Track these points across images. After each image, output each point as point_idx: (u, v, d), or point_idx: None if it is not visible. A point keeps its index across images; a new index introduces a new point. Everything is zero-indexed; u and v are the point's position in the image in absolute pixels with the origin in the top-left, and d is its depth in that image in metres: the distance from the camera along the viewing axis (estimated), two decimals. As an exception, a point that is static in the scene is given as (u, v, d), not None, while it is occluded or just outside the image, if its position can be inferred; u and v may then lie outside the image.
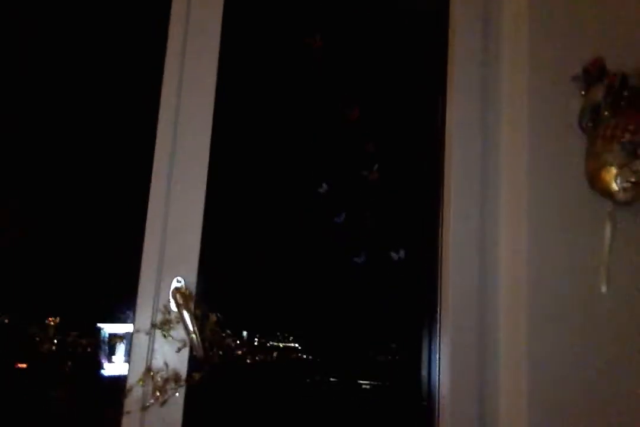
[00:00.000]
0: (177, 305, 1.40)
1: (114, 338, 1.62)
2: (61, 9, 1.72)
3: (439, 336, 1.60)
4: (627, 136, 1.40)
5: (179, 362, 1.41)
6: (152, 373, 1.38)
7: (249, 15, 1.71)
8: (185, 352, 1.41)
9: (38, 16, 1.73)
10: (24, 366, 1.63)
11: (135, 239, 1.45)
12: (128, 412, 1.36)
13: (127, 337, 1.56)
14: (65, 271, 1.64)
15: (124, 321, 1.58)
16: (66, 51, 1.71)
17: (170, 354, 1.41)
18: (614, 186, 1.42)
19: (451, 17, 1.73)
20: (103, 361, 1.62)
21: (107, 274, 1.62)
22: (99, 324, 1.64)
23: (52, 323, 1.63)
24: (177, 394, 1.39)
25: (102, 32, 1.73)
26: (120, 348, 1.61)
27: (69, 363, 1.63)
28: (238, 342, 1.72)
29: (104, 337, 1.63)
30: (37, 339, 1.61)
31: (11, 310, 1.59)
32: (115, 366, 1.61)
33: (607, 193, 1.45)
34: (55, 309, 1.63)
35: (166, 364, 1.40)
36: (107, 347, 1.62)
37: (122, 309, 1.57)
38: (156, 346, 1.41)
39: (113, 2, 1.74)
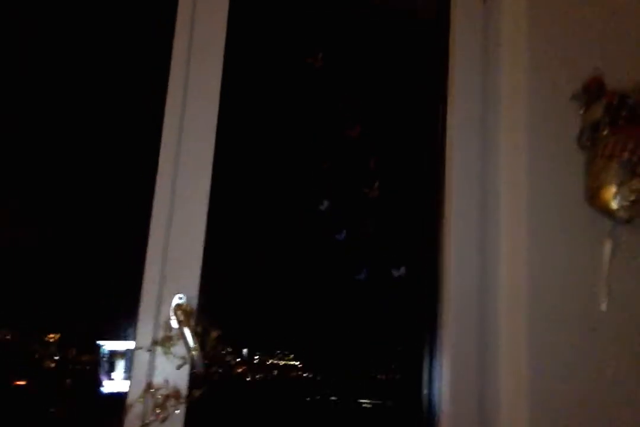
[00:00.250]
0: (178, 322, 1.40)
1: (114, 355, 1.62)
2: (68, 18, 1.73)
3: (440, 354, 1.60)
4: (626, 155, 1.41)
5: (180, 379, 1.40)
6: (152, 390, 1.38)
7: (251, 35, 1.73)
8: (186, 369, 1.41)
9: (45, 23, 1.74)
10: (24, 382, 1.62)
11: (137, 256, 1.45)
12: (128, 430, 1.36)
13: (128, 354, 1.56)
14: (66, 288, 1.64)
15: (124, 338, 1.58)
16: (73, 56, 1.72)
17: (171, 371, 1.40)
18: (614, 204, 1.43)
19: (451, 35, 1.75)
20: (103, 378, 1.62)
21: (108, 290, 1.62)
22: (99, 342, 1.63)
23: (52, 340, 1.62)
24: (177, 411, 1.38)
25: (110, 41, 1.74)
26: (120, 365, 1.61)
27: (69, 380, 1.62)
28: (238, 359, 1.71)
29: (104, 354, 1.62)
30: (37, 355, 1.60)
31: (11, 326, 1.59)
32: (115, 383, 1.61)
33: (607, 211, 1.45)
34: (56, 326, 1.63)
35: (167, 381, 1.40)
36: (107, 365, 1.62)
37: (122, 326, 1.57)
38: (157, 362, 1.40)
39: (121, 15, 1.76)
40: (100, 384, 1.62)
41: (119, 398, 1.44)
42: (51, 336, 1.62)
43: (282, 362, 1.80)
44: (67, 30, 1.73)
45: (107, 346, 1.63)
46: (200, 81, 1.56)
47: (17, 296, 1.62)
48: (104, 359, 1.62)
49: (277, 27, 1.78)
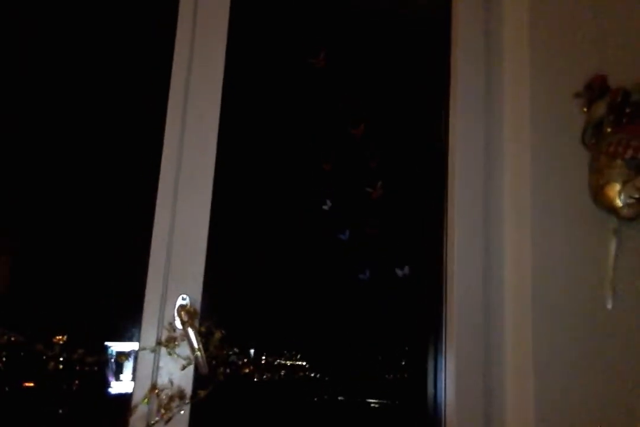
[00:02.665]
0: (182, 322, 1.40)
1: (121, 356, 1.62)
2: (69, 18, 1.74)
3: (445, 353, 1.59)
4: (630, 152, 1.41)
5: (184, 379, 1.41)
6: (157, 391, 1.38)
7: (253, 34, 1.73)
8: (191, 369, 1.41)
9: (48, 26, 1.75)
10: (32, 384, 1.63)
11: (141, 257, 1.46)
12: (133, 430, 1.36)
13: (134, 355, 1.56)
14: (72, 290, 1.65)
15: (131, 339, 1.58)
16: (74, 56, 1.73)
17: (176, 372, 1.41)
18: (618, 202, 1.42)
19: (453, 35, 1.74)
20: (110, 379, 1.62)
21: (113, 292, 1.63)
22: (106, 343, 1.64)
23: (59, 342, 1.63)
24: (182, 412, 1.38)
25: (111, 39, 1.75)
26: (128, 366, 1.61)
27: (76, 382, 1.63)
28: (245, 360, 1.71)
29: (111, 355, 1.63)
30: (45, 357, 1.61)
31: (18, 329, 1.59)
32: (122, 384, 1.61)
33: (611, 209, 1.45)
34: (62, 328, 1.63)
35: (171, 382, 1.40)
36: (114, 366, 1.62)
37: (128, 327, 1.57)
38: (161, 363, 1.41)
39: (123, 15, 1.77)
40: (107, 385, 1.62)
41: (125, 399, 1.45)
42: (58, 337, 1.63)
43: (289, 363, 1.80)
44: (69, 30, 1.74)
45: (115, 347, 1.63)
46: (203, 80, 1.56)
47: (24, 298, 1.63)
48: (111, 360, 1.62)
49: (279, 26, 1.79)
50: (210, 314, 1.45)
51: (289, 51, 1.80)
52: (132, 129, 1.70)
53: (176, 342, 1.41)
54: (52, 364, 1.58)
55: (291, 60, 1.80)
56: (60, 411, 1.62)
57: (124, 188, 1.68)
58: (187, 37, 1.58)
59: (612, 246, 1.47)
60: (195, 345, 1.38)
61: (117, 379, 1.62)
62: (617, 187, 1.41)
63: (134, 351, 1.51)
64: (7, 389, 1.60)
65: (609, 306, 1.45)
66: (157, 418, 1.36)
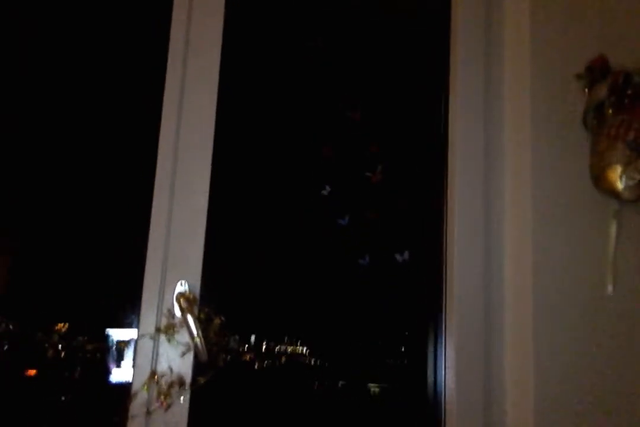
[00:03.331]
0: (181, 309, 1.40)
1: (122, 343, 1.62)
2: (64, 15, 1.73)
3: (445, 339, 1.59)
4: (632, 134, 1.39)
5: (184, 366, 1.41)
6: (156, 377, 1.38)
7: (251, 18, 1.71)
8: (190, 356, 1.41)
9: (44, 25, 1.74)
10: (34, 372, 1.63)
11: (139, 243, 1.45)
12: (133, 417, 1.36)
13: (132, 342, 1.56)
14: (70, 277, 1.65)
15: (131, 326, 1.58)
16: (69, 52, 1.72)
17: (175, 359, 1.41)
18: (619, 185, 1.41)
19: (453, 15, 1.73)
20: (111, 366, 1.62)
21: (112, 279, 1.63)
22: (107, 330, 1.64)
23: (60, 330, 1.63)
24: (181, 398, 1.38)
25: (104, 28, 1.74)
26: (129, 353, 1.61)
27: (78, 369, 1.63)
28: (245, 346, 1.71)
29: (112, 342, 1.63)
30: (45, 345, 1.61)
31: (18, 317, 1.59)
32: (123, 371, 1.61)
33: (612, 192, 1.44)
34: (63, 316, 1.63)
35: (170, 369, 1.40)
36: (115, 353, 1.62)
37: (128, 315, 1.57)
38: (161, 350, 1.41)
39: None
40: (108, 372, 1.62)
41: (125, 386, 1.45)
42: (59, 325, 1.63)
43: (289, 349, 1.80)
44: (64, 27, 1.73)
45: (115, 334, 1.63)
46: (200, 64, 1.55)
47: (23, 286, 1.63)
48: (112, 347, 1.62)
49: (277, 10, 1.77)
50: (210, 301, 1.45)
51: (287, 36, 1.78)
52: (128, 113, 1.69)
53: (175, 329, 1.41)
54: (52, 352, 1.59)
55: (289, 44, 1.78)
56: (62, 399, 1.62)
57: (122, 174, 1.67)
58: (183, 21, 1.57)
59: (613, 228, 1.46)
60: (195, 332, 1.37)
61: (118, 366, 1.62)
62: (619, 169, 1.40)
63: (133, 338, 1.51)
64: (8, 377, 1.60)
65: (610, 289, 1.44)
66: (156, 405, 1.37)
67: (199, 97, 1.53)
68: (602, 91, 1.46)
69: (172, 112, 1.52)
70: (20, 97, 1.70)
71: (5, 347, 1.58)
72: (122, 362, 1.62)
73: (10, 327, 1.58)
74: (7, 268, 1.67)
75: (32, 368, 1.62)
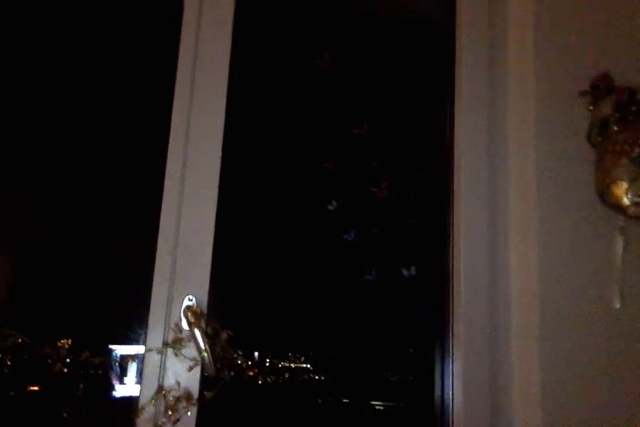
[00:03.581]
0: (189, 323, 1.40)
1: (126, 359, 1.62)
2: (72, 17, 1.75)
3: (452, 355, 1.59)
4: (637, 151, 1.40)
5: (191, 381, 1.40)
6: (164, 392, 1.38)
7: (258, 36, 1.73)
8: (197, 370, 1.41)
9: (52, 27, 1.76)
10: (37, 388, 1.62)
11: (147, 258, 1.45)
12: (141, 432, 1.36)
13: (139, 358, 1.56)
14: (77, 292, 1.64)
15: (136, 342, 1.58)
16: (79, 55, 1.74)
17: (182, 373, 1.40)
18: (625, 201, 1.41)
19: (457, 32, 1.74)
20: (115, 382, 1.62)
21: (119, 294, 1.63)
22: (110, 346, 1.64)
23: (65, 345, 1.63)
24: (189, 413, 1.38)
25: (117, 42, 1.75)
26: (132, 369, 1.61)
27: (81, 384, 1.62)
28: (249, 362, 1.71)
29: (116, 358, 1.62)
30: (49, 360, 1.61)
31: (23, 331, 1.59)
32: (127, 387, 1.61)
33: (618, 208, 1.44)
34: (67, 331, 1.63)
35: (178, 383, 1.40)
36: (118, 368, 1.62)
37: (134, 329, 1.57)
38: (168, 364, 1.41)
39: (128, 16, 1.77)
40: (112, 388, 1.62)
41: (130, 401, 1.44)
42: (63, 341, 1.63)
43: (293, 365, 1.79)
44: (73, 29, 1.75)
45: (119, 350, 1.63)
46: (208, 80, 1.57)
47: (29, 301, 1.62)
48: (116, 363, 1.62)
49: (283, 28, 1.79)
50: (216, 316, 1.45)
51: (293, 52, 1.80)
52: (139, 124, 1.70)
53: (183, 344, 1.41)
54: (57, 366, 1.58)
55: (295, 60, 1.80)
56: (65, 414, 1.61)
57: (129, 189, 1.68)
58: (191, 37, 1.58)
59: (619, 244, 1.46)
60: (202, 346, 1.37)
61: (122, 382, 1.61)
62: (624, 185, 1.41)
63: (139, 353, 1.51)
64: (12, 392, 1.60)
65: (617, 305, 1.44)
66: (164, 419, 1.36)
67: (207, 112, 1.55)
68: (606, 108, 1.48)
69: (181, 126, 1.54)
70: (20, 88, 1.71)
71: (9, 361, 1.57)
72: (126, 378, 1.61)
73: (20, 340, 1.57)
74: (12, 280, 1.67)
75: (35, 383, 1.62)
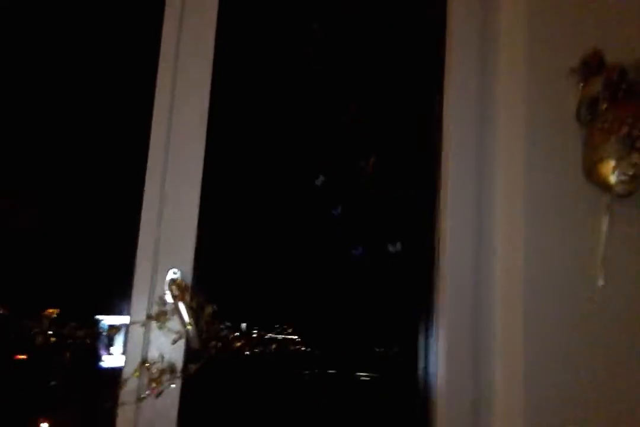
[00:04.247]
0: (173, 296, 1.40)
1: (112, 329, 1.62)
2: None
3: (436, 328, 1.60)
4: (625, 129, 1.40)
5: (175, 353, 1.41)
6: (147, 365, 1.39)
7: (245, 16, 1.70)
8: (181, 344, 1.41)
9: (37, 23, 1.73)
10: (24, 357, 1.63)
11: (131, 231, 1.45)
12: (123, 404, 1.36)
13: (126, 329, 1.56)
14: (62, 263, 1.64)
15: (122, 313, 1.58)
16: (61, 50, 1.71)
17: (166, 346, 1.41)
18: (612, 179, 1.42)
19: (448, 14, 1.73)
20: (102, 352, 1.62)
21: (103, 265, 1.62)
22: (97, 316, 1.64)
23: (51, 315, 1.63)
24: (172, 385, 1.39)
25: (96, 25, 1.72)
26: (119, 340, 1.61)
27: (68, 355, 1.63)
28: (237, 334, 1.72)
29: (103, 328, 1.63)
30: (36, 330, 1.61)
31: (8, 302, 1.59)
32: (113, 358, 1.61)
33: (605, 186, 1.44)
34: (53, 301, 1.63)
35: (162, 356, 1.40)
36: (105, 339, 1.62)
37: (120, 301, 1.57)
38: (152, 337, 1.41)
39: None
40: (98, 358, 1.62)
41: (117, 372, 1.45)
42: (50, 310, 1.63)
43: (280, 336, 1.80)
44: (53, 25, 1.72)
45: (106, 320, 1.63)
46: (192, 60, 1.55)
47: (14, 272, 1.62)
48: (103, 333, 1.62)
49: (270, 11, 1.76)
50: (202, 289, 1.45)
51: (281, 35, 1.77)
52: (121, 103, 1.68)
53: (167, 317, 1.41)
54: (40, 338, 1.59)
55: (284, 42, 1.78)
56: (52, 383, 1.62)
57: (113, 160, 1.66)
58: (175, 17, 1.57)
59: (605, 222, 1.47)
60: (186, 319, 1.38)
61: (109, 352, 1.62)
62: (612, 163, 1.41)
63: (124, 324, 1.51)
64: (-2, 362, 1.60)
65: (600, 282, 1.45)
66: (147, 392, 1.37)
67: (192, 89, 1.53)
68: (596, 86, 1.46)
69: (164, 101, 1.52)
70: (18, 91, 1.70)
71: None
72: (113, 349, 1.62)
73: (1, 311, 1.58)
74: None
75: (22, 353, 1.62)
